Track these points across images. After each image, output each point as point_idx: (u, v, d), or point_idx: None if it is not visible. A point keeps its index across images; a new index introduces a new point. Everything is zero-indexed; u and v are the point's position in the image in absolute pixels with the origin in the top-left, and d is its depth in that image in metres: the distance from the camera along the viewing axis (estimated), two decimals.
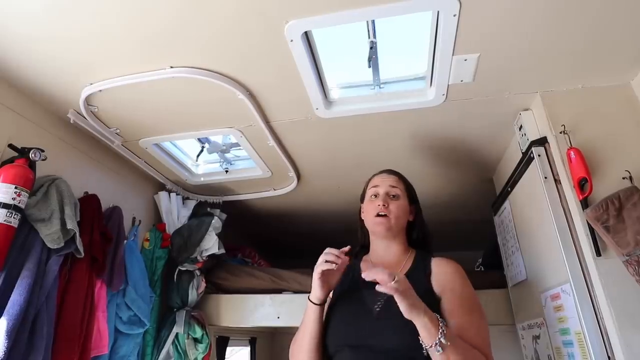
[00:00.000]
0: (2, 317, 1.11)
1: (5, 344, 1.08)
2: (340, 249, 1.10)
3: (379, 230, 1.23)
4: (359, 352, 1.05)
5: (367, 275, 0.96)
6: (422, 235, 1.31)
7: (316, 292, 1.11)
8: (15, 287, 1.16)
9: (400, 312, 1.04)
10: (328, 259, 1.07)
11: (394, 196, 1.27)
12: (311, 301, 1.12)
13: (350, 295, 1.18)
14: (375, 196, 1.28)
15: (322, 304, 1.12)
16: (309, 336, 1.11)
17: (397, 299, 0.94)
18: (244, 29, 1.13)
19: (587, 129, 1.32)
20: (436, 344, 0.92)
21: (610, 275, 1.12)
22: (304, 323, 1.14)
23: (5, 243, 1.15)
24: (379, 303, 1.09)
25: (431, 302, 1.05)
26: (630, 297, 1.09)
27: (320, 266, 1.08)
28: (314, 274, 1.11)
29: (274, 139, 1.66)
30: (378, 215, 1.23)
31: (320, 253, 1.11)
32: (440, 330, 0.93)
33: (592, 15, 1.10)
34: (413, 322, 0.95)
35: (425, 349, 0.95)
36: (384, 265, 1.22)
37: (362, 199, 1.38)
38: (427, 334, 0.93)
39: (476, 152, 1.83)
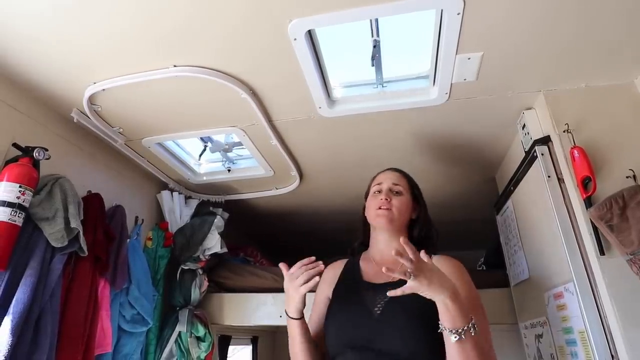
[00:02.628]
0: (7, 316, 1.11)
1: (10, 342, 1.08)
2: (307, 261, 1.08)
3: (381, 222, 1.22)
4: (361, 354, 1.04)
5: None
6: (425, 233, 1.30)
7: (298, 307, 1.09)
8: (20, 285, 1.16)
9: (401, 315, 1.04)
10: (307, 277, 1.05)
11: (397, 192, 1.27)
12: (292, 317, 1.11)
13: (350, 296, 1.17)
14: (379, 192, 1.28)
15: (303, 317, 1.12)
16: (300, 346, 1.11)
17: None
18: (247, 28, 1.13)
19: (590, 127, 1.32)
20: (461, 331, 0.88)
21: (614, 274, 1.12)
22: (292, 338, 1.13)
23: (10, 242, 1.15)
24: (379, 305, 1.08)
25: (430, 303, 1.04)
26: (633, 296, 1.09)
27: (304, 288, 1.05)
28: (293, 293, 1.07)
29: (276, 138, 1.67)
30: (380, 208, 1.23)
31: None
32: (470, 323, 0.89)
33: (595, 14, 1.10)
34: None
35: (442, 331, 0.91)
36: (384, 260, 1.20)
37: (366, 197, 1.38)
38: (451, 321, 0.89)
39: (479, 151, 1.83)
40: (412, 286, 0.89)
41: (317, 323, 1.21)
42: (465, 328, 0.89)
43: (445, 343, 0.92)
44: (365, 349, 1.04)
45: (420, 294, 0.90)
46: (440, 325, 0.92)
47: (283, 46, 1.18)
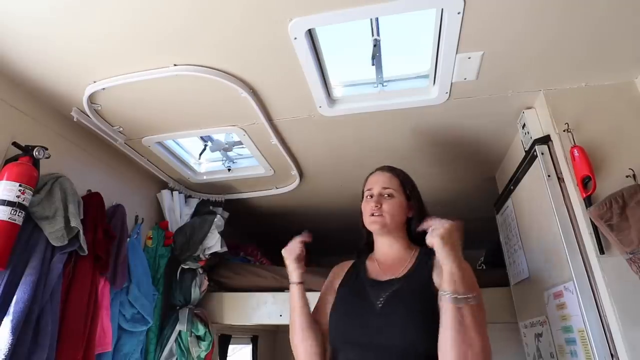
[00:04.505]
0: (7, 315, 1.11)
1: (10, 341, 1.08)
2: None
3: (374, 228, 1.26)
4: (362, 347, 1.06)
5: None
6: (421, 230, 1.31)
7: (295, 272, 1.25)
8: (20, 284, 1.17)
9: (402, 308, 1.07)
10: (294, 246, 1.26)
11: (388, 195, 1.27)
12: (293, 281, 1.24)
13: (354, 292, 1.21)
14: (370, 197, 1.30)
15: (302, 282, 1.25)
16: (298, 313, 1.19)
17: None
18: (248, 27, 1.13)
19: (590, 127, 1.32)
20: (461, 297, 0.93)
21: (614, 273, 1.12)
22: (292, 305, 1.22)
23: (10, 241, 1.15)
24: (381, 299, 1.10)
25: (429, 296, 1.05)
26: (633, 295, 1.09)
27: (292, 252, 1.26)
28: (288, 263, 1.26)
29: (276, 137, 1.67)
30: (372, 215, 1.25)
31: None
32: (471, 294, 0.95)
33: (596, 14, 1.10)
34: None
35: (442, 296, 0.97)
36: (388, 263, 1.24)
37: (362, 199, 1.39)
38: (452, 285, 0.95)
39: (479, 151, 1.83)
40: (434, 239, 1.00)
41: (319, 313, 1.25)
42: (465, 296, 0.93)
43: (442, 311, 0.96)
44: (367, 342, 1.06)
45: (435, 248, 0.99)
46: (440, 293, 0.97)
47: (283, 45, 1.18)
